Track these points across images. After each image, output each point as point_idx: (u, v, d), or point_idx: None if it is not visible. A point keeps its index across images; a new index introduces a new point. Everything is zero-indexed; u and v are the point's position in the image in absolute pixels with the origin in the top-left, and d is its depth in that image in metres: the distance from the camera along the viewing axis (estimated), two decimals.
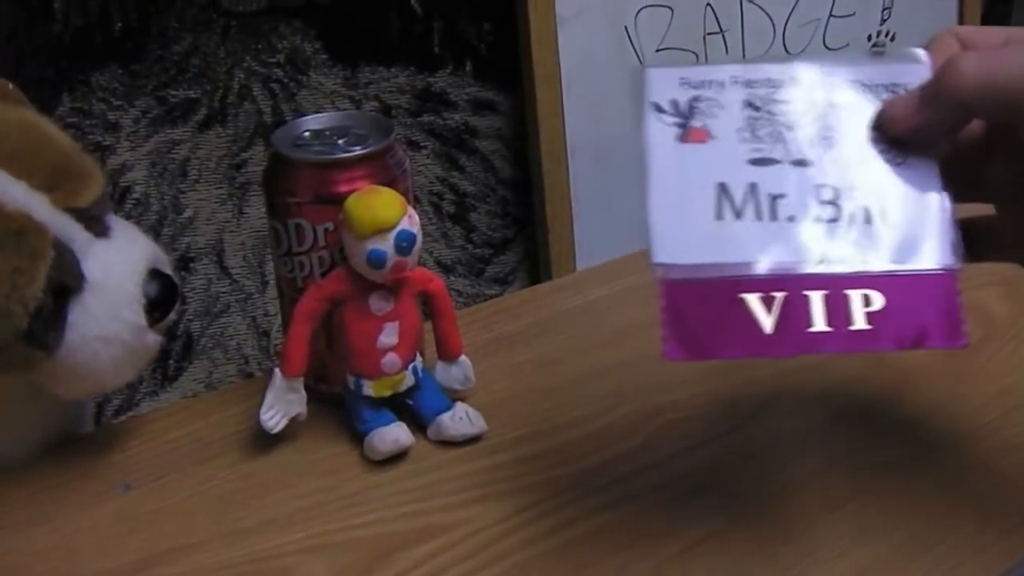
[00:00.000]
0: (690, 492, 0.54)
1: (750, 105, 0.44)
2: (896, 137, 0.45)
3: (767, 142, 0.44)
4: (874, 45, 1.11)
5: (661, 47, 0.97)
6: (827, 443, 0.57)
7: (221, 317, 0.89)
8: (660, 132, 0.44)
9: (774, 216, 0.43)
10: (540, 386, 0.63)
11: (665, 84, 0.44)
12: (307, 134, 0.60)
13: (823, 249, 0.43)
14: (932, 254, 0.43)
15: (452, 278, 0.98)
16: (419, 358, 0.59)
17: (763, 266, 0.42)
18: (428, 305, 0.59)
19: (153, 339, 0.54)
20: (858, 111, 0.45)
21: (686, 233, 0.43)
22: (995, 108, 0.42)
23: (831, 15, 1.07)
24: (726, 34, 1.00)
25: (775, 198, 0.43)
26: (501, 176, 0.98)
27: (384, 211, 0.53)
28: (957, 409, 0.59)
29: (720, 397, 0.61)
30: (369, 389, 0.57)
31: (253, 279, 0.89)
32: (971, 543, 0.50)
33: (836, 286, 0.42)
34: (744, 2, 1.01)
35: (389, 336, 0.56)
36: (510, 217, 0.99)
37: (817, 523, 0.52)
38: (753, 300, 0.42)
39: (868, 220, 0.43)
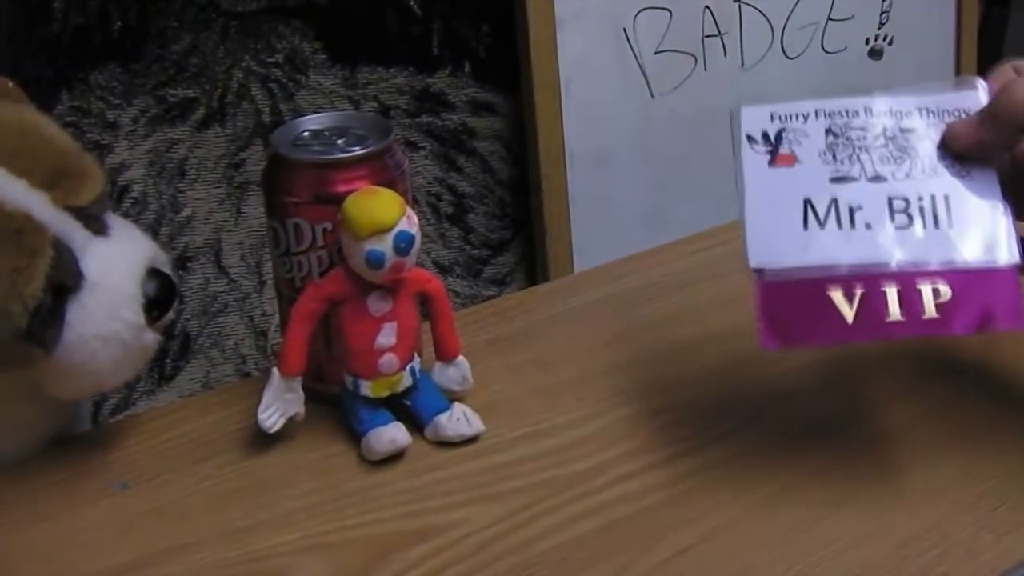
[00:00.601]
0: (687, 493, 0.54)
1: (830, 132, 0.51)
2: (960, 153, 0.51)
3: (846, 163, 0.51)
4: (872, 49, 1.11)
5: (660, 49, 0.97)
6: (824, 445, 0.57)
7: (218, 316, 0.89)
8: (753, 159, 0.51)
9: (853, 224, 0.49)
10: (537, 387, 0.63)
11: (756, 118, 0.52)
12: (306, 134, 0.60)
13: (897, 250, 0.49)
14: (994, 251, 0.49)
15: (450, 279, 0.98)
16: (417, 359, 0.59)
17: (844, 266, 0.49)
18: (426, 306, 0.59)
19: (151, 338, 0.54)
20: (926, 133, 0.51)
21: (777, 241, 0.50)
22: None
23: (829, 18, 1.07)
24: (724, 36, 1.01)
25: (853, 210, 0.50)
26: (499, 177, 0.98)
27: (382, 212, 0.53)
28: (954, 412, 0.60)
29: (717, 399, 0.61)
30: (367, 389, 0.57)
31: (250, 279, 0.89)
32: (968, 545, 0.50)
33: (909, 281, 0.48)
34: (742, 5, 1.01)
35: (387, 337, 0.56)
36: (508, 218, 0.99)
37: (815, 524, 0.52)
38: (837, 295, 0.48)
39: (937, 224, 0.50)
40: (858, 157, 0.51)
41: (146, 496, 0.55)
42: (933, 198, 0.50)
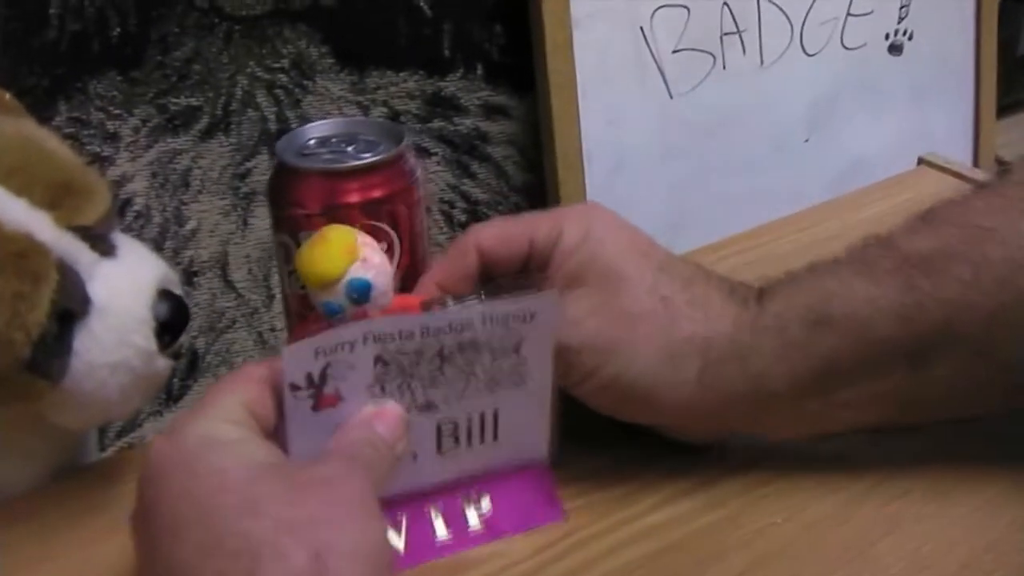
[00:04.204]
0: (736, 516, 0.53)
1: (380, 360, 0.46)
2: None
3: (396, 394, 0.47)
4: (892, 44, 1.11)
5: (678, 48, 0.97)
6: (874, 461, 0.56)
7: (226, 333, 0.88)
8: (295, 408, 0.46)
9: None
10: None
11: (298, 361, 0.45)
12: (312, 142, 0.58)
13: (440, 472, 0.50)
14: (529, 451, 0.52)
15: None
16: None
17: (386, 498, 0.45)
18: None
19: (164, 364, 0.52)
20: (486, 345, 0.48)
21: None
22: None
23: (848, 13, 1.07)
24: (743, 34, 1.00)
25: None
26: (514, 183, 0.97)
27: (324, 263, 0.48)
28: (1007, 424, 0.56)
29: None
30: None
31: (259, 293, 0.88)
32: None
33: (452, 501, 0.51)
34: (761, 1, 1.01)
35: None
36: None
37: (870, 547, 0.51)
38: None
39: (483, 439, 0.50)
40: (408, 385, 0.47)
41: None
42: (483, 416, 0.50)
